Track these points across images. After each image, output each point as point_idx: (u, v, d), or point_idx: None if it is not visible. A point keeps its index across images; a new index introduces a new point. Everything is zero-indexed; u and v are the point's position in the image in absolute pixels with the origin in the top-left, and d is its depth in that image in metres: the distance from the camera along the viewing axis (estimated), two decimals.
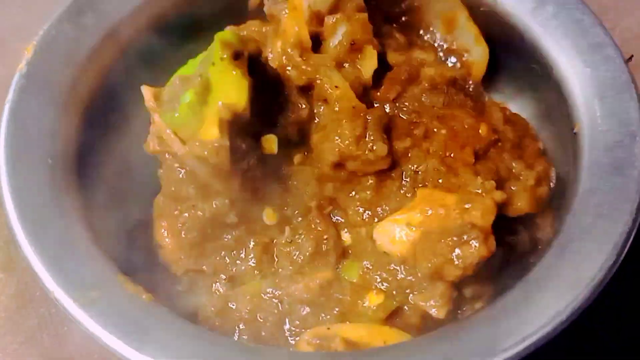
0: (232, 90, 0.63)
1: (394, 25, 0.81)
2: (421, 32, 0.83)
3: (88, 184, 0.69)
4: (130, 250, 0.70)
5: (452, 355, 0.55)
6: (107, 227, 0.68)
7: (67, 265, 0.59)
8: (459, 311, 0.65)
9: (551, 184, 0.72)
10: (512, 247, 0.69)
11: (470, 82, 0.77)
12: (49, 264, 0.59)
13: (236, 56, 0.63)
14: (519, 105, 0.82)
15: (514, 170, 0.70)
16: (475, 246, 0.60)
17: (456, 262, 0.60)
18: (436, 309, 0.62)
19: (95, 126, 0.72)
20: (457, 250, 0.60)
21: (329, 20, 0.73)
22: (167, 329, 0.56)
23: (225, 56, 0.63)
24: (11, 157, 0.64)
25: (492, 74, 0.82)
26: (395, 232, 0.64)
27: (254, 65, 0.66)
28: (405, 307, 0.64)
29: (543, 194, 0.70)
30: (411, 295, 0.63)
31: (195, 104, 0.62)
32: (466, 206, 0.62)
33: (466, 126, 0.70)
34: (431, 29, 0.82)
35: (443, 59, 0.81)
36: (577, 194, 0.64)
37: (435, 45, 0.82)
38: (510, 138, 0.73)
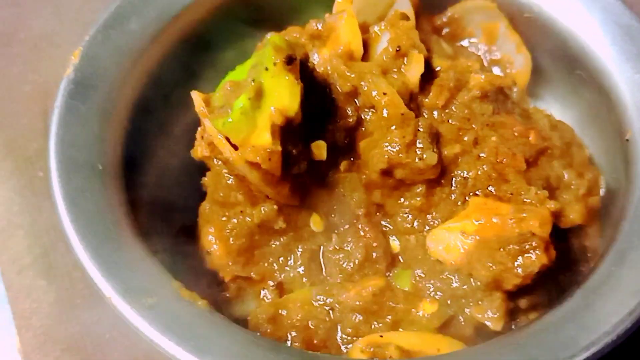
0: (285, 96, 0.62)
1: (440, 35, 0.81)
2: (464, 43, 0.82)
3: (134, 190, 0.69)
4: (177, 256, 0.69)
5: None
6: (154, 233, 0.68)
7: (122, 271, 0.59)
8: (513, 323, 0.64)
9: (601, 191, 0.71)
10: (562, 256, 0.69)
11: (515, 89, 0.76)
12: (104, 270, 0.58)
13: (289, 61, 0.63)
14: (562, 112, 0.81)
15: (564, 179, 0.69)
16: (537, 254, 0.59)
17: (517, 271, 0.59)
18: (492, 321, 0.62)
19: (141, 131, 0.72)
20: (520, 259, 0.59)
21: (374, 28, 0.73)
22: (224, 336, 0.56)
23: (278, 61, 0.62)
24: (62, 162, 0.64)
25: (536, 83, 0.82)
26: (450, 240, 0.63)
27: (303, 71, 0.66)
28: (460, 317, 0.63)
29: (594, 204, 0.70)
30: (466, 307, 0.63)
31: (249, 110, 0.61)
32: (522, 215, 0.62)
33: (516, 134, 0.69)
34: (474, 39, 0.82)
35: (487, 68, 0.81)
36: (632, 201, 0.64)
37: (479, 54, 0.81)
38: (558, 145, 0.72)
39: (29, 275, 0.81)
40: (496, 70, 0.82)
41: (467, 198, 0.67)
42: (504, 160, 0.67)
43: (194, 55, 0.77)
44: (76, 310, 0.79)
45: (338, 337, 0.65)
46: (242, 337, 0.57)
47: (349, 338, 0.64)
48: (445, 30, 0.83)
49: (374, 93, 0.68)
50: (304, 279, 0.69)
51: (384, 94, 0.68)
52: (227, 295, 0.70)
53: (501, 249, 0.61)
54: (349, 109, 0.69)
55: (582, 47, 0.75)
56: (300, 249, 0.69)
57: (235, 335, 0.57)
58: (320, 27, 0.74)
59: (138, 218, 0.66)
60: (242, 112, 0.61)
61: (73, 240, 0.60)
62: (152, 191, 0.72)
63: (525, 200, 0.65)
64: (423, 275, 0.65)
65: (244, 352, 0.55)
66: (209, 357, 0.54)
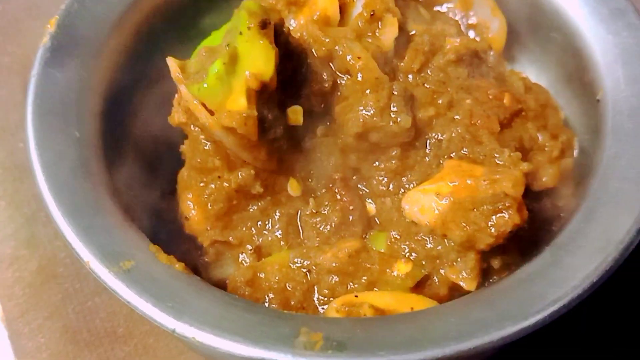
0: (260, 60, 0.63)
1: (418, 1, 0.81)
2: (442, 8, 0.83)
3: (113, 157, 0.69)
4: (156, 221, 0.70)
5: (484, 320, 0.55)
6: (133, 199, 0.68)
7: (100, 236, 0.60)
8: (486, 282, 0.65)
9: (575, 152, 0.72)
10: (535, 216, 0.70)
11: (492, 53, 0.77)
12: (82, 236, 0.59)
13: (263, 25, 0.63)
14: (537, 75, 0.82)
15: (539, 141, 0.70)
16: (510, 214, 0.60)
17: (490, 231, 0.60)
18: (466, 282, 0.63)
19: (119, 99, 0.72)
20: (493, 219, 0.60)
21: None
22: (203, 297, 0.57)
23: (252, 25, 0.63)
24: (39, 130, 0.64)
25: (511, 46, 0.83)
26: (425, 202, 0.64)
27: (278, 36, 0.67)
28: (435, 277, 0.64)
29: (567, 166, 0.71)
30: (441, 267, 0.64)
31: (223, 75, 0.62)
32: (496, 177, 0.63)
33: (490, 96, 0.70)
34: (451, 4, 0.82)
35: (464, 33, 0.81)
36: (601, 160, 0.65)
37: (457, 19, 0.82)
38: (533, 107, 0.73)
39: (10, 244, 0.82)
40: (473, 35, 0.82)
41: (441, 161, 0.68)
42: (478, 122, 0.68)
43: (171, 23, 0.77)
44: (58, 279, 0.80)
45: (315, 299, 0.66)
46: (219, 298, 0.58)
47: (326, 299, 0.65)
48: None
49: (348, 57, 0.69)
50: (282, 243, 0.70)
51: (359, 58, 0.69)
52: (206, 259, 0.71)
53: (475, 210, 0.61)
54: (324, 73, 0.70)
55: (556, 9, 0.76)
56: (277, 213, 0.70)
57: (212, 297, 0.58)
58: None
59: (117, 186, 0.67)
60: (217, 77, 0.62)
61: (51, 207, 0.60)
62: (131, 159, 0.72)
63: (498, 162, 0.66)
64: (398, 237, 0.66)
65: (221, 313, 0.56)
66: (186, 318, 0.54)
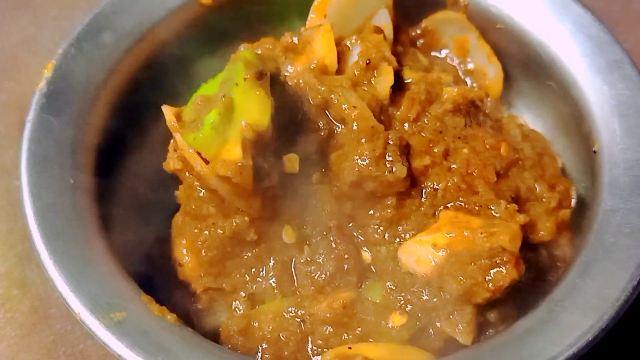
0: (255, 110, 0.63)
1: (416, 47, 0.81)
2: (442, 54, 0.83)
3: (107, 204, 0.69)
4: (149, 269, 0.70)
5: None
6: (126, 246, 0.68)
7: (91, 286, 0.59)
8: (482, 336, 0.65)
9: (572, 202, 0.72)
10: (531, 266, 0.69)
11: (489, 99, 0.77)
12: (73, 285, 0.59)
13: (259, 77, 0.63)
14: (534, 121, 0.82)
15: (536, 191, 0.70)
16: (507, 269, 0.60)
17: (488, 285, 0.60)
18: (462, 336, 0.62)
19: (114, 145, 0.72)
20: (491, 273, 0.60)
21: (346, 42, 0.74)
22: (194, 351, 0.56)
23: (248, 76, 0.63)
24: (33, 177, 0.64)
25: (508, 92, 0.83)
26: (421, 253, 0.64)
27: (274, 84, 0.67)
28: (430, 330, 0.64)
29: (565, 217, 0.70)
30: (437, 320, 0.63)
31: (219, 124, 0.62)
32: (493, 230, 0.62)
33: (487, 146, 0.70)
34: (448, 50, 0.82)
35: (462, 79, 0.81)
36: (598, 214, 0.64)
37: (455, 65, 0.82)
38: (530, 156, 0.73)
39: (3, 284, 0.82)
40: (470, 81, 0.82)
41: (437, 211, 0.68)
42: (475, 171, 0.68)
43: (167, 69, 0.77)
44: (50, 320, 0.80)
45: (309, 349, 0.65)
46: (211, 351, 0.57)
47: (319, 349, 0.65)
48: (420, 42, 0.84)
49: (344, 106, 0.69)
50: (276, 291, 0.69)
51: (354, 107, 0.69)
52: (199, 306, 0.70)
53: (472, 263, 0.61)
54: (320, 121, 0.70)
55: (553, 58, 0.76)
56: (272, 261, 0.70)
57: (204, 350, 0.57)
58: (295, 40, 0.74)
59: (110, 232, 0.67)
60: (213, 127, 0.62)
61: (43, 256, 0.60)
62: (125, 204, 0.72)
63: (494, 214, 0.66)
64: (394, 288, 0.66)
65: None
66: None
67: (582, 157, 0.75)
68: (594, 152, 0.69)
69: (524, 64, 0.80)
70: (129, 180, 0.73)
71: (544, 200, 0.71)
